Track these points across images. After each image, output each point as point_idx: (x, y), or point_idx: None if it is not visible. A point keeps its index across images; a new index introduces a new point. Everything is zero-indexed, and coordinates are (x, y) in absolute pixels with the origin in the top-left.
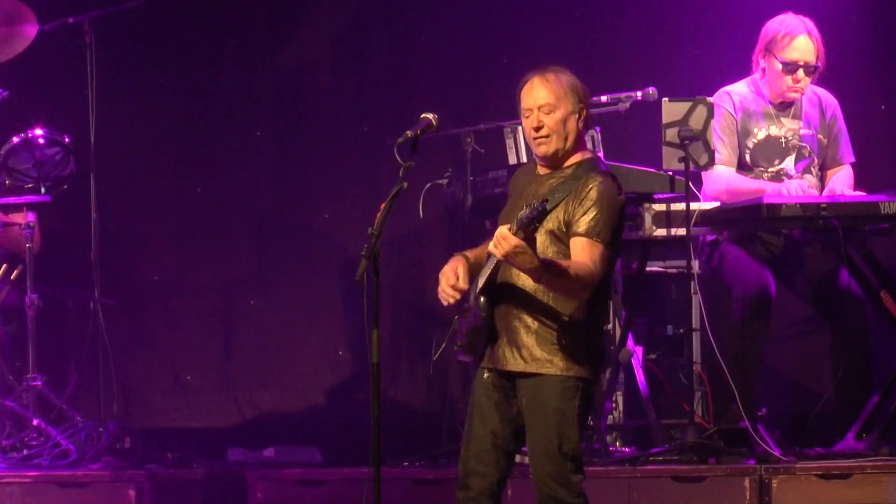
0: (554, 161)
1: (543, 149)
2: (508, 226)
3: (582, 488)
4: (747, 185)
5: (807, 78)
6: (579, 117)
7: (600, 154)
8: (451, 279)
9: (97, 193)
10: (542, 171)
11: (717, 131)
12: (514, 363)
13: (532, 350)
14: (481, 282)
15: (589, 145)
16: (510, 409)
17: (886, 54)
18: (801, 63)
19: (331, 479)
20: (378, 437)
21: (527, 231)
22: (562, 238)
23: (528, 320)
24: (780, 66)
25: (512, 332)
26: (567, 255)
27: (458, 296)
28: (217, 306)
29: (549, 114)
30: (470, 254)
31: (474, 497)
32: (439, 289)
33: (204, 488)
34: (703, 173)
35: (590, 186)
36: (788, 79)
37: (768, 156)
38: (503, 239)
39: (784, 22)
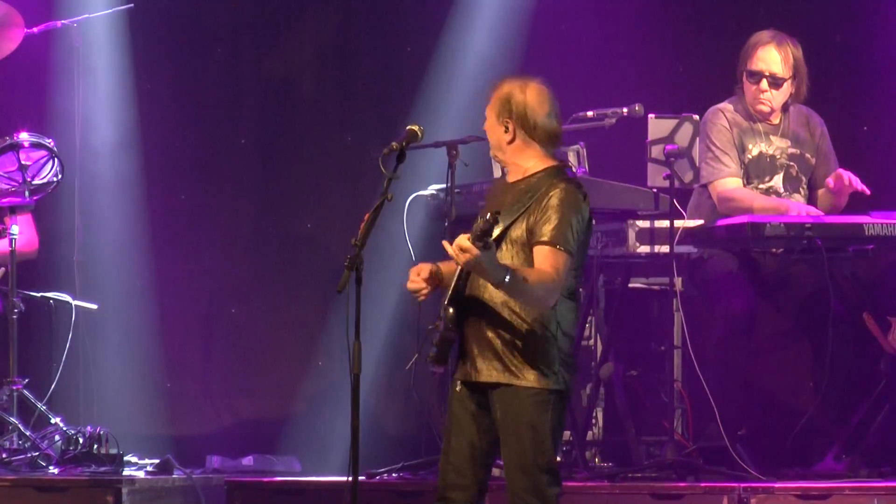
0: (508, 167)
1: (507, 160)
2: (468, 235)
3: (558, 501)
4: (765, 201)
5: (773, 90)
6: (505, 130)
7: (584, 170)
8: (413, 274)
9: (81, 198)
10: (510, 178)
11: (720, 145)
12: (486, 374)
13: (504, 361)
14: (448, 292)
15: (573, 160)
16: (485, 419)
17: (869, 75)
18: (767, 73)
19: (308, 489)
20: (356, 447)
21: (483, 242)
22: (527, 246)
23: (500, 332)
24: (746, 76)
25: (483, 344)
26: (533, 264)
27: (422, 284)
28: (198, 313)
29: (485, 121)
30: (442, 265)
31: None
32: (408, 285)
33: (182, 495)
34: (710, 185)
35: (551, 194)
36: (754, 88)
37: (760, 172)
38: (462, 249)
39: (757, 34)
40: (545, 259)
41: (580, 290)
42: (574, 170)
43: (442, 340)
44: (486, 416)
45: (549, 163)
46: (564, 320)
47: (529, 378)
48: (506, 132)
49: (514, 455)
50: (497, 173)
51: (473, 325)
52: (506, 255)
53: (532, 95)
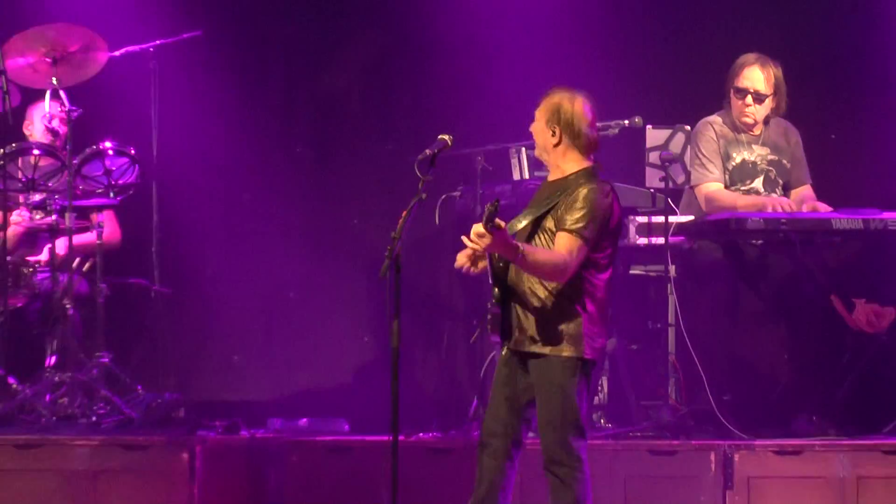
0: (549, 166)
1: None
2: (482, 223)
3: (581, 452)
4: (745, 200)
5: (757, 105)
6: (552, 134)
7: None
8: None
9: (158, 198)
10: (550, 178)
11: (707, 154)
12: (524, 345)
13: (539, 334)
14: (491, 274)
15: None
16: (523, 380)
17: (836, 89)
18: (751, 90)
19: (355, 447)
20: (396, 411)
21: (491, 224)
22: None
23: (537, 308)
24: (733, 92)
25: (523, 319)
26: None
27: (469, 253)
28: (261, 297)
29: (534, 123)
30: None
31: (491, 453)
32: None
33: (248, 452)
34: (696, 188)
35: (579, 190)
36: (740, 103)
37: (742, 177)
38: (479, 235)
39: (744, 56)
40: (562, 243)
41: (612, 276)
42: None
43: (493, 316)
44: (524, 378)
45: (585, 164)
46: (593, 300)
47: (560, 349)
48: (553, 136)
49: (545, 414)
50: (517, 176)
51: (517, 302)
52: (541, 242)
53: (579, 107)
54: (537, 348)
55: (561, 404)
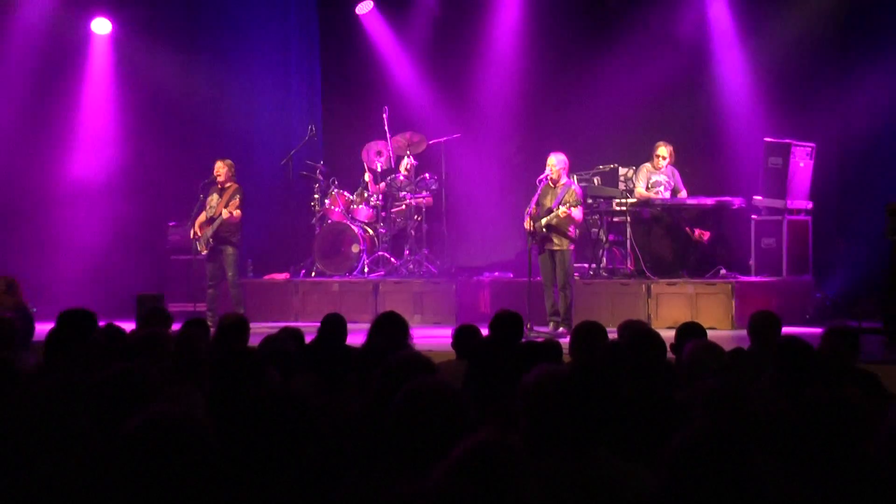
0: (554, 181)
1: (552, 178)
2: (557, 208)
3: (572, 285)
4: (654, 196)
5: (662, 161)
6: (563, 169)
7: (596, 181)
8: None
9: (446, 193)
10: (552, 184)
11: (641, 178)
12: (553, 246)
13: (559, 241)
14: (544, 221)
15: (597, 182)
16: (553, 262)
17: (685, 147)
18: (661, 156)
19: (514, 282)
20: (530, 268)
21: (564, 209)
22: (566, 206)
23: (557, 231)
24: (654, 154)
25: (552, 237)
26: (567, 215)
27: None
28: (481, 224)
29: (554, 166)
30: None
31: (548, 287)
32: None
33: (484, 286)
34: (635, 189)
35: (572, 189)
36: (656, 160)
37: (654, 186)
38: (553, 216)
39: (658, 141)
40: (578, 210)
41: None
42: (576, 180)
43: (539, 237)
44: (553, 261)
45: (566, 178)
46: (577, 227)
47: (566, 245)
48: (562, 171)
49: (560, 272)
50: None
51: (550, 230)
52: (562, 210)
53: (567, 162)
54: (558, 247)
55: (567, 268)
